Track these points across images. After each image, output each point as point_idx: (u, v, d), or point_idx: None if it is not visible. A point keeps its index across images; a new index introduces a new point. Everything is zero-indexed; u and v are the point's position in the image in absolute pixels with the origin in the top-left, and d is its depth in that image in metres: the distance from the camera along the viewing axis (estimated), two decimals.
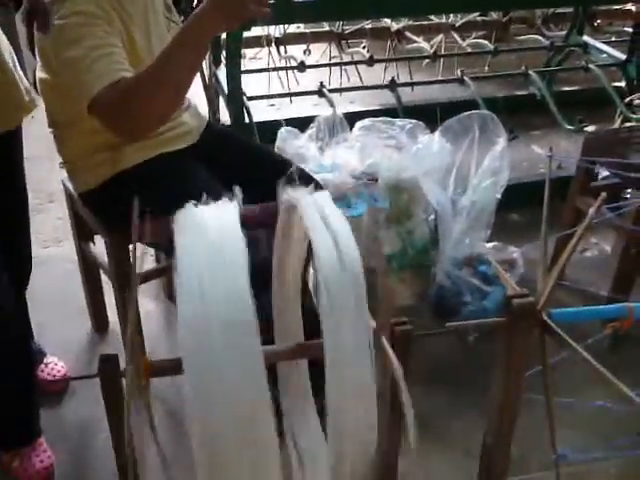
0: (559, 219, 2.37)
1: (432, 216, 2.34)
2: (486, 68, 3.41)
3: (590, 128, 3.39)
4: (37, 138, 1.81)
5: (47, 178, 2.88)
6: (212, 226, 0.99)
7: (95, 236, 1.99)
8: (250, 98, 2.52)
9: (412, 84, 2.92)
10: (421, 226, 2.36)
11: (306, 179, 1.82)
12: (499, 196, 2.26)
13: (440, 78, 3.20)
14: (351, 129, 2.34)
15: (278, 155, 1.92)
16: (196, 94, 2.62)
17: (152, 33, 1.60)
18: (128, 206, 1.31)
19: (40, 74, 1.58)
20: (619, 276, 2.08)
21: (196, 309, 0.82)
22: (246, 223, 0.98)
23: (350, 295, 0.91)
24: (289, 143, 2.05)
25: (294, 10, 2.17)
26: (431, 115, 2.83)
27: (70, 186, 1.83)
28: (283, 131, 2.06)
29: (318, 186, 1.84)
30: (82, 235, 2.01)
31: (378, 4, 2.24)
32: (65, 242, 2.58)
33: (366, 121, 2.30)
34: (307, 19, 2.51)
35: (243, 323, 0.82)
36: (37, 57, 1.55)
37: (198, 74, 2.66)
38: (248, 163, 1.76)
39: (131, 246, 0.96)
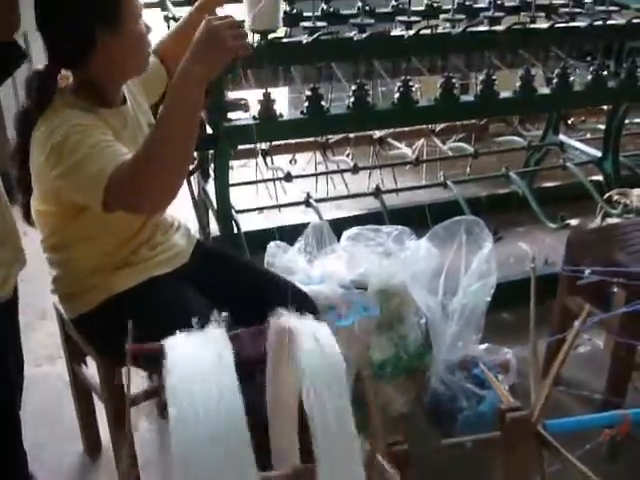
0: (549, 316, 2.40)
1: (424, 319, 2.36)
2: (468, 169, 3.51)
3: (573, 222, 3.47)
4: (28, 255, 1.83)
5: (38, 295, 2.88)
6: (203, 357, 1.01)
7: (87, 356, 1.99)
8: (239, 211, 2.58)
9: (396, 190, 2.99)
10: (414, 330, 2.36)
11: (296, 295, 1.86)
12: (489, 298, 2.29)
13: (424, 183, 3.28)
14: (338, 236, 2.38)
15: (268, 273, 1.94)
16: (184, 208, 2.70)
17: None
18: (120, 330, 1.33)
19: (37, 205, 1.61)
20: (612, 378, 2.09)
21: (190, 441, 0.82)
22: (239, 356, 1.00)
23: (340, 423, 0.92)
24: (278, 257, 2.09)
25: (281, 128, 2.25)
26: (417, 218, 2.90)
27: (61, 309, 1.85)
28: (272, 245, 2.10)
29: (308, 300, 1.88)
30: (74, 356, 2.01)
31: (359, 120, 2.33)
32: (58, 360, 2.57)
33: (353, 230, 2.34)
34: (293, 136, 2.59)
35: (240, 454, 0.83)
36: (33, 186, 1.59)
37: (187, 188, 2.74)
38: (239, 283, 1.79)
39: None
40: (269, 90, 2.26)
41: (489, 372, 1.46)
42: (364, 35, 2.26)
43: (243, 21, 1.95)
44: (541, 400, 1.24)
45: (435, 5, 2.88)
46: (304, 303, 1.85)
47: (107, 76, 1.55)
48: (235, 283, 1.79)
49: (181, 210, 2.70)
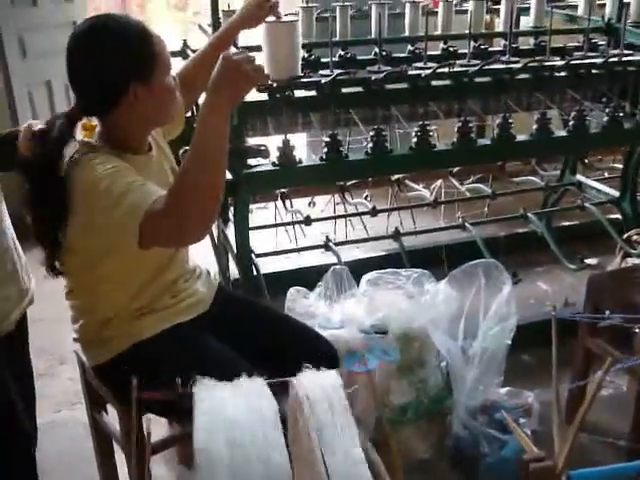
0: (571, 357, 2.38)
1: (444, 363, 2.35)
2: (486, 209, 3.52)
3: (593, 261, 3.46)
4: (48, 299, 1.85)
5: (58, 340, 2.91)
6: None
7: (108, 403, 1.99)
8: (258, 255, 2.60)
9: (415, 233, 3.01)
10: (434, 374, 2.36)
11: (315, 341, 1.86)
12: (509, 341, 2.28)
13: (442, 224, 3.30)
14: (358, 277, 2.39)
15: (288, 319, 1.95)
16: (205, 252, 2.72)
17: None
18: (141, 379, 1.34)
19: (69, 245, 1.60)
20: (637, 423, 2.06)
21: None
22: None
23: None
24: (298, 302, 2.10)
25: (300, 174, 2.28)
26: (437, 259, 2.91)
27: (82, 356, 1.86)
28: (292, 291, 2.12)
29: (328, 346, 1.88)
30: (94, 403, 2.01)
31: (378, 165, 2.36)
32: (78, 405, 2.57)
33: (373, 274, 2.35)
34: (313, 182, 2.62)
35: None
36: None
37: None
38: (259, 330, 1.81)
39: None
40: (288, 136, 2.30)
41: (510, 419, 1.44)
42: (381, 75, 2.29)
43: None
44: (565, 450, 1.23)
45: (452, 50, 2.93)
46: (324, 349, 1.86)
47: (136, 125, 1.58)
48: (255, 330, 1.80)
49: (201, 254, 2.74)
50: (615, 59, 2.59)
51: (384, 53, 2.65)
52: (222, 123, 1.38)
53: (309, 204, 3.34)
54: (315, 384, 1.09)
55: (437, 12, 3.00)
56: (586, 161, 3.69)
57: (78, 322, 1.74)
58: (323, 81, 2.24)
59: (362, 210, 3.09)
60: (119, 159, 1.52)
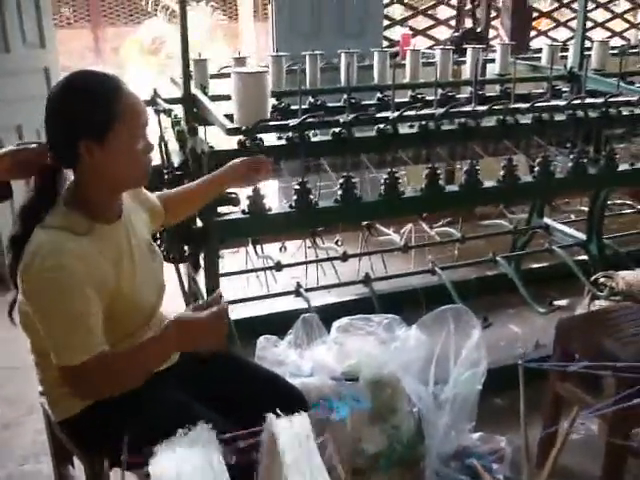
0: (542, 401, 2.40)
1: (416, 408, 2.34)
2: (456, 252, 3.56)
3: (562, 302, 3.50)
4: (22, 346, 1.81)
5: (25, 390, 2.85)
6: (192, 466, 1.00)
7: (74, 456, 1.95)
8: (229, 302, 2.58)
9: (385, 278, 3.03)
10: (407, 420, 2.34)
11: (285, 389, 1.86)
12: (480, 387, 2.28)
13: (412, 267, 3.32)
14: (329, 323, 2.39)
15: (257, 368, 1.94)
16: (176, 300, 2.71)
17: (137, 271, 1.66)
18: (107, 433, 1.32)
19: (23, 307, 1.61)
20: (607, 467, 2.07)
21: None
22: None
23: None
24: (268, 351, 2.09)
25: (270, 222, 2.29)
26: (408, 302, 2.92)
27: (48, 410, 1.82)
28: (262, 340, 2.11)
29: (298, 395, 1.87)
30: (60, 457, 1.97)
31: (347, 213, 2.38)
32: (44, 458, 2.51)
33: (343, 320, 2.35)
34: (283, 230, 2.63)
35: None
36: (19, 289, 1.59)
37: (177, 280, 2.75)
38: (228, 380, 1.79)
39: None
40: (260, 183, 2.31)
41: (480, 466, 1.44)
42: (350, 117, 2.32)
43: None
44: None
45: (419, 97, 2.99)
46: (294, 398, 1.85)
47: (96, 185, 1.56)
48: (224, 381, 1.79)
49: (171, 301, 2.73)
50: (577, 102, 2.65)
51: (353, 101, 2.69)
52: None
53: (280, 249, 3.34)
54: (286, 431, 1.08)
55: (405, 64, 3.07)
56: (553, 204, 3.76)
57: (41, 376, 1.71)
58: (292, 124, 2.26)
59: (333, 255, 3.10)
60: (80, 237, 1.51)
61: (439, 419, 2.25)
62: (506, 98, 2.80)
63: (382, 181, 2.38)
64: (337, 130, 2.29)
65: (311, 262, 3.15)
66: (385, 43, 4.92)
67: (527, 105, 2.53)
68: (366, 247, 3.38)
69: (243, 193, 2.32)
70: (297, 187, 2.27)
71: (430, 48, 4.44)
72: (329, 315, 2.42)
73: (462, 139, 2.60)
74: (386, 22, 4.95)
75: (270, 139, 2.33)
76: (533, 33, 5.54)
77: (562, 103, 2.66)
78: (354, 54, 2.96)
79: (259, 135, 2.21)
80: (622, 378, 1.92)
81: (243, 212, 2.26)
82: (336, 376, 2.18)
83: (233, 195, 2.27)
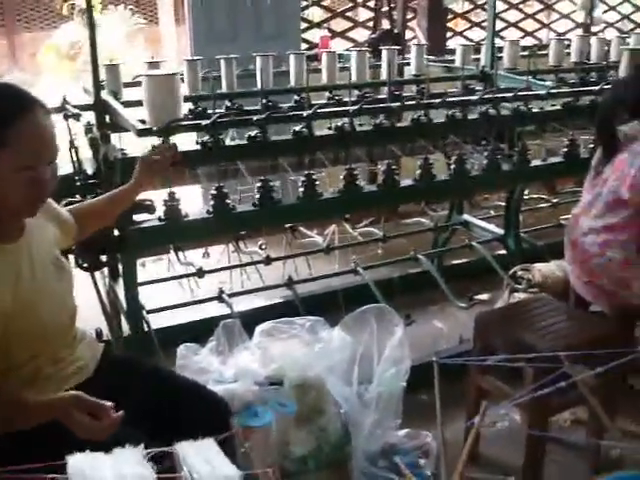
0: (465, 394, 2.44)
1: (343, 409, 2.35)
2: (379, 252, 3.59)
3: (484, 297, 3.57)
4: None
5: None
6: None
7: None
8: (150, 311, 2.54)
9: (308, 280, 3.03)
10: (334, 421, 2.34)
11: (207, 399, 1.83)
12: (404, 384, 2.31)
13: (337, 268, 3.32)
14: (253, 327, 2.37)
15: (178, 378, 1.91)
16: (97, 312, 2.65)
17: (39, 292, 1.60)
18: (20, 459, 1.27)
19: None
20: (529, 455, 2.12)
21: None
22: None
23: None
24: (189, 359, 2.06)
25: (187, 228, 2.26)
26: (333, 303, 2.93)
27: None
28: (183, 349, 2.07)
29: (220, 403, 1.85)
30: None
31: (265, 217, 2.36)
32: None
33: (266, 324, 2.33)
34: (201, 236, 2.60)
35: None
36: None
37: (94, 290, 2.67)
38: (148, 392, 1.75)
39: None
40: (178, 189, 2.28)
41: (404, 467, 1.45)
42: (263, 116, 2.30)
43: None
44: None
45: (337, 98, 3.00)
46: (217, 406, 1.83)
47: None
48: (144, 393, 1.75)
49: (93, 312, 2.66)
50: (488, 96, 2.72)
51: (270, 104, 2.68)
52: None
53: (203, 255, 3.31)
54: (194, 454, 1.06)
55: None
56: (472, 201, 3.83)
57: None
58: (204, 123, 2.23)
59: (256, 259, 3.09)
60: None
61: (364, 418, 2.26)
62: (421, 98, 2.84)
63: (300, 184, 2.37)
64: (253, 134, 2.27)
65: (234, 267, 3.13)
66: (305, 45, 4.95)
67: (439, 100, 2.57)
68: (290, 250, 3.37)
69: (159, 201, 2.28)
70: (214, 192, 2.25)
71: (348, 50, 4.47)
72: (253, 320, 2.40)
73: (378, 139, 2.62)
74: (305, 25, 4.98)
75: (186, 144, 2.30)
76: (450, 34, 5.66)
77: (473, 98, 2.71)
78: (269, 57, 2.95)
79: (175, 142, 2.17)
80: (538, 369, 1.98)
81: (159, 219, 2.22)
82: (260, 381, 2.17)
83: (148, 202, 2.23)
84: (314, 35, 5.14)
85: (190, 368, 2.06)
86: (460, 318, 3.41)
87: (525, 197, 4.15)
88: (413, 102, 2.56)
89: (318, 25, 5.14)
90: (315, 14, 5.95)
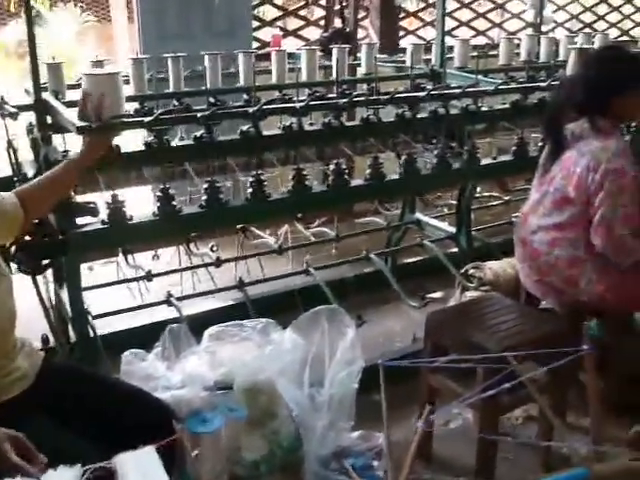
0: (418, 394, 2.44)
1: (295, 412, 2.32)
2: (333, 251, 3.57)
3: (437, 295, 3.58)
4: None
5: None
6: None
7: None
8: (95, 317, 2.48)
9: (259, 282, 2.99)
10: (286, 424, 2.31)
11: (152, 406, 1.79)
12: (356, 385, 2.29)
13: (288, 271, 3.28)
14: (203, 332, 2.33)
15: (122, 385, 1.86)
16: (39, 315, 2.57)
17: None
18: None
19: None
20: (481, 454, 2.12)
21: None
22: None
23: None
24: (135, 366, 2.00)
25: (132, 231, 2.21)
26: (286, 304, 2.90)
27: None
28: (127, 355, 2.02)
29: (167, 410, 1.81)
30: None
31: (210, 219, 2.32)
32: None
33: (216, 328, 2.29)
34: (147, 239, 2.54)
35: None
36: None
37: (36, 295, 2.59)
38: (91, 401, 1.71)
39: None
40: (125, 190, 2.22)
41: (353, 471, 1.43)
42: (208, 112, 2.25)
43: None
44: None
45: (287, 97, 2.96)
46: (160, 414, 1.79)
47: None
48: (86, 401, 1.71)
49: (36, 318, 2.59)
50: (436, 92, 2.72)
51: (218, 103, 2.64)
52: None
53: (153, 257, 3.24)
54: (134, 469, 1.02)
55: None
56: (425, 199, 3.83)
57: None
58: (146, 120, 2.18)
59: (207, 261, 3.04)
60: None
61: (317, 421, 2.24)
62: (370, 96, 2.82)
63: (248, 185, 2.34)
64: (199, 134, 2.23)
65: (184, 270, 3.07)
66: (257, 44, 4.91)
67: (385, 97, 2.56)
68: (242, 251, 3.33)
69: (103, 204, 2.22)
70: (159, 194, 2.20)
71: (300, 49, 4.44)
72: (204, 323, 2.35)
73: (327, 139, 2.60)
74: (257, 23, 4.93)
75: (129, 146, 2.24)
76: (403, 33, 5.66)
77: (421, 94, 2.70)
78: (217, 56, 2.90)
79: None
80: (487, 368, 1.98)
81: (103, 222, 2.16)
82: (209, 386, 2.13)
83: (92, 205, 2.17)
84: (267, 34, 5.10)
85: (136, 375, 2.00)
86: (414, 317, 3.40)
87: (477, 195, 4.18)
88: (359, 99, 2.53)
89: (270, 23, 5.09)
90: (269, 12, 5.90)
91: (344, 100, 2.47)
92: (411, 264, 3.78)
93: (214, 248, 3.30)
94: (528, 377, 1.79)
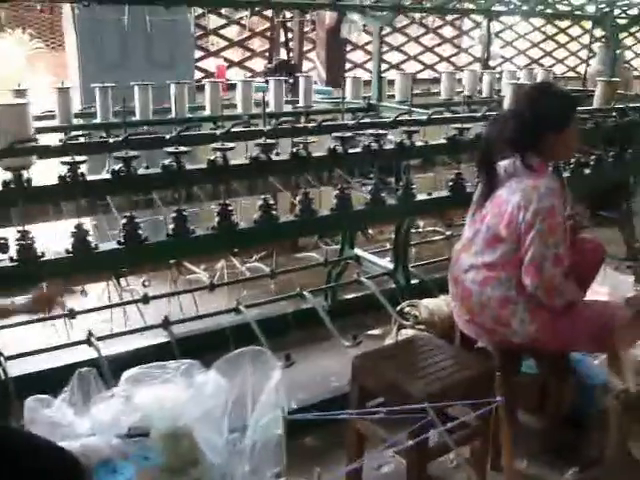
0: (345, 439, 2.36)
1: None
2: (272, 287, 3.49)
3: (376, 332, 3.50)
4: None
5: None
6: None
7: None
8: (8, 358, 2.35)
9: (185, 320, 2.88)
10: (209, 472, 2.21)
11: (55, 458, 1.67)
12: (280, 431, 2.19)
13: (223, 307, 3.17)
14: (121, 372, 2.22)
15: (23, 436, 1.74)
16: None
17: None
18: None
19: None
20: None
21: None
22: None
23: None
24: (39, 413, 1.88)
25: (43, 269, 2.10)
26: (216, 344, 2.80)
27: None
28: (31, 401, 1.89)
29: (72, 462, 1.69)
30: None
31: (127, 256, 2.22)
32: None
33: (135, 370, 2.18)
34: (59, 276, 2.44)
35: None
36: None
37: None
38: None
39: None
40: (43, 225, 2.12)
41: None
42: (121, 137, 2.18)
43: None
44: None
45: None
46: (67, 466, 1.67)
47: None
48: None
49: None
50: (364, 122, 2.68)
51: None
52: None
53: (81, 292, 3.12)
54: None
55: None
56: (366, 234, 3.78)
57: None
58: (52, 145, 2.10)
59: (135, 297, 2.93)
60: None
61: (237, 469, 2.14)
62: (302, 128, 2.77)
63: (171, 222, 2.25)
64: (117, 167, 2.14)
65: (109, 307, 2.95)
66: (200, 74, 4.86)
67: (314, 124, 2.51)
68: (175, 287, 3.22)
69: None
70: (73, 230, 2.09)
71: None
72: (128, 363, 2.25)
73: (255, 173, 2.51)
74: (201, 53, 4.89)
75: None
76: (351, 65, 5.68)
77: (351, 123, 2.67)
78: (148, 87, 2.84)
79: None
80: (410, 415, 1.91)
81: (11, 259, 2.05)
82: (122, 433, 2.01)
83: (2, 241, 2.06)
84: (212, 64, 5.05)
85: (40, 422, 1.88)
86: (352, 354, 3.32)
87: (420, 229, 4.15)
88: (288, 126, 2.49)
89: (215, 54, 5.05)
90: (219, 43, 5.87)
91: (268, 128, 2.42)
92: (351, 300, 3.70)
93: (146, 283, 3.19)
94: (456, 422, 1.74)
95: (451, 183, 2.99)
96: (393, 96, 3.53)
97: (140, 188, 2.29)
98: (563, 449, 2.67)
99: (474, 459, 2.29)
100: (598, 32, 6.39)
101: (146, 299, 2.82)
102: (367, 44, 5.89)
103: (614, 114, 3.69)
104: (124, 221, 2.17)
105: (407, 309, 2.98)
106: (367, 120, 2.70)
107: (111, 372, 2.38)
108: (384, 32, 5.38)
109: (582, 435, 2.74)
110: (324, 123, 2.58)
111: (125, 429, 2.03)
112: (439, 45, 6.27)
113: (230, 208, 2.34)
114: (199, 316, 2.96)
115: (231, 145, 2.34)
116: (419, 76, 6.09)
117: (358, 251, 3.55)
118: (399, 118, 2.75)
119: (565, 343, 2.45)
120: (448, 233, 4.11)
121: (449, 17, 5.81)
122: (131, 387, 2.16)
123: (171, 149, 2.25)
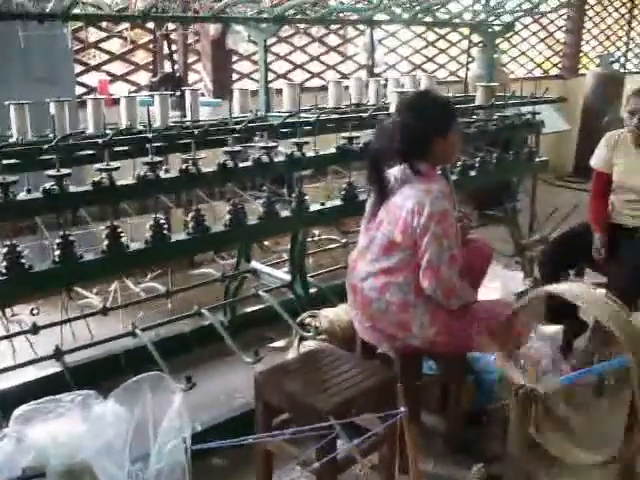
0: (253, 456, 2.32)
1: None
2: (169, 306, 3.39)
3: (280, 344, 3.47)
4: None
5: None
6: None
7: None
8: None
9: (78, 349, 2.75)
10: None
11: None
12: (184, 457, 2.13)
13: (118, 331, 3.05)
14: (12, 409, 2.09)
15: None
16: None
17: None
18: None
19: None
20: None
21: None
22: None
23: None
24: None
25: None
26: (113, 370, 2.69)
27: None
28: None
29: None
30: None
31: (10, 286, 2.10)
32: None
33: (25, 407, 2.06)
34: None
35: None
36: None
37: None
38: None
39: None
40: None
41: None
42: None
43: None
44: None
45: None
46: None
47: None
48: None
49: None
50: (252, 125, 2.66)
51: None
52: None
53: None
54: None
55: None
56: (263, 246, 3.75)
57: None
58: None
59: (24, 328, 2.77)
60: None
61: None
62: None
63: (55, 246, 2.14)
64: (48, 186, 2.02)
65: None
66: (82, 89, 4.68)
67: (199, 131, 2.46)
68: (66, 313, 3.08)
69: None
70: None
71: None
72: (19, 398, 2.12)
73: (143, 191, 2.44)
74: (81, 67, 4.72)
75: None
76: (238, 76, 5.62)
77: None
78: (24, 105, 2.71)
79: None
80: (316, 429, 1.89)
81: None
82: (15, 476, 1.90)
83: None
84: (95, 79, 4.88)
85: None
86: (257, 369, 3.28)
87: (316, 238, 4.15)
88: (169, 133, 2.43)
89: (96, 68, 4.88)
90: (101, 56, 5.68)
91: (152, 134, 2.36)
92: (251, 314, 3.66)
93: (34, 311, 3.03)
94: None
95: (343, 192, 3.01)
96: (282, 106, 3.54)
97: (20, 214, 2.17)
98: (468, 447, 2.74)
99: (382, 465, 2.30)
100: (476, 37, 6.64)
101: (35, 329, 2.68)
102: (254, 54, 5.87)
103: (495, 117, 3.83)
104: (4, 250, 2.05)
105: (307, 320, 2.97)
106: (256, 124, 2.68)
107: (0, 411, 2.23)
108: (269, 42, 5.37)
109: (485, 431, 2.82)
110: (209, 137, 2.53)
111: (19, 471, 1.91)
112: (325, 53, 6.32)
113: (119, 230, 2.26)
114: (93, 343, 2.84)
115: (116, 165, 2.26)
116: (307, 84, 6.09)
117: (255, 264, 3.51)
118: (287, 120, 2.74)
119: (463, 344, 2.51)
120: (344, 240, 4.13)
121: (333, 26, 5.86)
122: (22, 426, 2.04)
123: (52, 172, 2.14)
